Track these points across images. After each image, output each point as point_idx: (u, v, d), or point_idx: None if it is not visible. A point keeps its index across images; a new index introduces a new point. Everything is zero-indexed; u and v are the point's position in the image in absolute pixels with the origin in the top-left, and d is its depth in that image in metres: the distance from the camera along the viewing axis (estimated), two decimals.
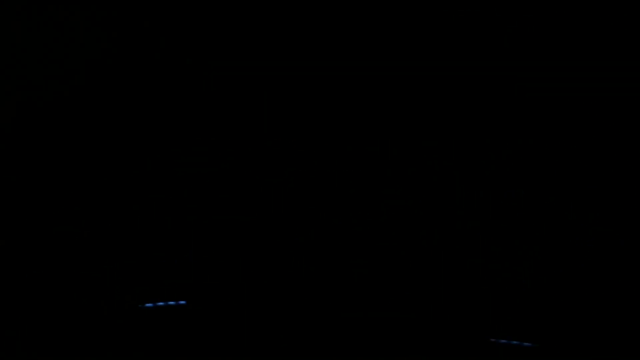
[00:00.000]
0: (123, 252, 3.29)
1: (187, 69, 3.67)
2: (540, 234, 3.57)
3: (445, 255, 3.59)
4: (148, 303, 3.16)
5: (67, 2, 3.10)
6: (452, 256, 3.54)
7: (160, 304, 3.33)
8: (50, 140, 3.11)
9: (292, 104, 3.88)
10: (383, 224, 3.61)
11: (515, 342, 3.45)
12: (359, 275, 3.54)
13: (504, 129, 3.78)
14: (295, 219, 3.59)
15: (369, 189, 3.67)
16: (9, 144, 2.97)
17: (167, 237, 3.49)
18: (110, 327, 3.16)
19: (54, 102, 3.13)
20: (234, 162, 3.66)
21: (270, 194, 3.59)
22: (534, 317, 3.36)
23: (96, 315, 3.14)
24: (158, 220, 3.38)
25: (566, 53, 3.78)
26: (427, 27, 3.79)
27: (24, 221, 2.94)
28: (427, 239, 3.51)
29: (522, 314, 3.42)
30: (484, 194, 3.59)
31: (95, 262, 3.23)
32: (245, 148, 3.73)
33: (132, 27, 3.41)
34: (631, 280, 3.49)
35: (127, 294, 3.22)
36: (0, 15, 2.93)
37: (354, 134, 3.84)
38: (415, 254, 3.55)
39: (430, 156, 3.68)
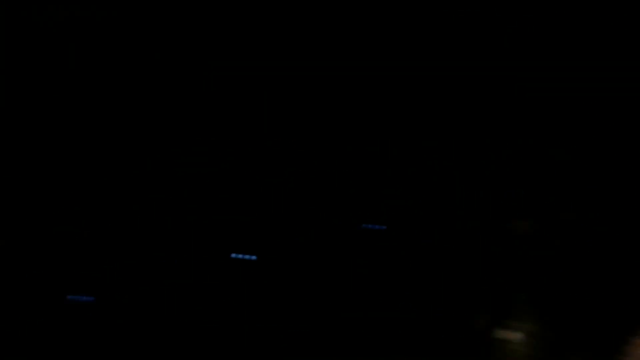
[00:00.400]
0: (123, 252, 3.31)
1: (187, 69, 3.65)
2: (540, 232, 3.58)
3: (446, 254, 3.60)
4: (148, 302, 3.13)
5: (68, 2, 3.09)
6: (452, 255, 3.55)
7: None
8: (50, 140, 3.09)
9: (292, 104, 3.86)
10: (383, 224, 3.61)
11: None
12: (359, 274, 3.54)
13: (504, 128, 3.78)
14: (294, 218, 3.58)
15: (370, 188, 3.67)
16: (8, 145, 2.95)
17: (167, 236, 3.47)
18: (109, 326, 3.18)
19: (53, 102, 3.12)
20: (234, 162, 3.64)
21: (271, 194, 3.58)
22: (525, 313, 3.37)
23: (96, 314, 3.18)
24: (158, 220, 3.35)
25: (565, 54, 3.78)
26: (428, 28, 3.80)
27: (24, 221, 2.92)
28: (426, 239, 3.52)
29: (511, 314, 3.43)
30: (484, 194, 3.59)
31: (95, 261, 3.26)
32: (245, 148, 3.70)
33: (132, 27, 3.39)
34: (630, 278, 3.50)
35: (126, 294, 3.25)
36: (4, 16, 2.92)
37: (354, 134, 3.83)
38: (415, 253, 3.56)
39: (430, 156, 3.69)
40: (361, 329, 3.35)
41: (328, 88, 3.96)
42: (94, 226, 3.25)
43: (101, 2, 3.33)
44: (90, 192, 3.26)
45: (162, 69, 3.53)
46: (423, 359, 3.27)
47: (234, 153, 3.70)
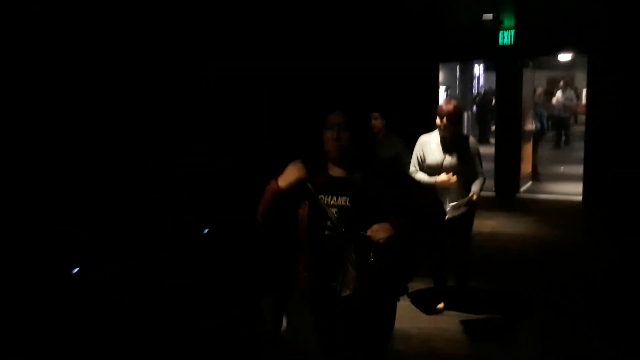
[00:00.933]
0: (122, 252, 3.26)
1: (187, 69, 3.64)
2: None
3: None
4: (148, 302, 3.12)
5: (70, 2, 3.06)
6: None
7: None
8: (51, 141, 3.04)
9: (292, 104, 3.83)
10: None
11: None
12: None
13: None
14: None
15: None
16: (9, 145, 2.88)
17: (167, 236, 3.42)
18: (110, 328, 3.16)
19: (53, 102, 3.06)
20: (234, 162, 3.60)
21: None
22: None
23: (96, 314, 3.13)
24: (158, 220, 3.30)
25: None
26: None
27: (24, 221, 2.90)
28: None
29: None
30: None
31: (95, 261, 3.21)
32: (245, 148, 3.67)
33: (132, 27, 3.37)
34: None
35: (126, 294, 3.21)
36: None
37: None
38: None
39: None
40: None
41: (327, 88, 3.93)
42: (94, 226, 3.17)
43: (103, 2, 3.24)
44: (90, 192, 3.17)
45: (162, 68, 3.47)
46: None
47: (234, 153, 3.63)
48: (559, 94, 11.87)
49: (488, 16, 7.87)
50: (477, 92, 15.49)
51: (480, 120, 13.55)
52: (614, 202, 6.69)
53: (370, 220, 1.91)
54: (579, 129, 11.91)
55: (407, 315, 3.85)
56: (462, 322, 3.80)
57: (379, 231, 1.88)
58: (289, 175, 1.95)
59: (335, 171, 2.03)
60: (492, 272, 4.73)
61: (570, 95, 12.14)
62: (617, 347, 3.41)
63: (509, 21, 7.86)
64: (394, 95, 6.41)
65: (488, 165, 8.19)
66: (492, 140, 10.26)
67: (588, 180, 7.46)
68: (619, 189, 6.79)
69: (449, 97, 14.01)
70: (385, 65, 6.12)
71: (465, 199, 3.63)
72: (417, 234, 1.99)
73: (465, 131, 13.99)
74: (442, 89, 13.60)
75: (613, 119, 7.05)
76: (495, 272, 4.75)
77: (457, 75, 15.54)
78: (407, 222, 1.95)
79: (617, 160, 6.95)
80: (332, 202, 1.98)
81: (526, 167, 8.72)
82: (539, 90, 12.30)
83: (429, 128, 3.83)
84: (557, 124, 11.98)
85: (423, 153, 3.70)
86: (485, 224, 5.31)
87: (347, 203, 1.97)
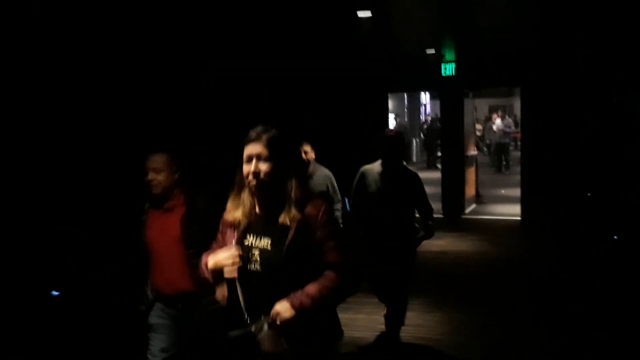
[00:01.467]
0: (123, 252, 3.13)
1: (187, 69, 3.65)
2: None
3: None
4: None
5: (70, 2, 3.05)
6: None
7: None
8: (50, 141, 3.02)
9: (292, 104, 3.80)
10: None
11: None
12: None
13: None
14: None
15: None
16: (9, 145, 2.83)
17: None
18: (109, 327, 3.12)
19: (54, 103, 3.02)
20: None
21: None
22: None
23: (96, 314, 3.08)
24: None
25: None
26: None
27: (24, 221, 2.85)
28: None
29: None
30: None
31: (95, 261, 3.16)
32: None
33: (132, 27, 3.38)
34: None
35: (126, 294, 3.08)
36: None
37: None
38: None
39: None
40: None
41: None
42: (94, 226, 3.16)
43: (105, 2, 3.24)
44: (90, 192, 3.15)
45: (163, 69, 3.53)
46: None
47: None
48: (498, 121, 12.69)
49: (431, 50, 8.58)
50: (425, 120, 16.22)
51: (428, 147, 14.27)
52: (548, 221, 7.34)
53: (291, 265, 1.71)
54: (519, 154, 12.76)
55: (374, 308, 4.14)
56: (430, 315, 4.10)
57: (280, 314, 1.65)
58: (220, 264, 1.71)
59: (260, 208, 1.80)
60: (442, 285, 5.20)
61: (508, 123, 12.98)
62: (565, 344, 3.73)
63: (449, 55, 8.56)
64: (343, 123, 6.69)
65: (436, 190, 8.86)
66: (439, 165, 10.86)
67: (525, 202, 8.13)
68: (552, 209, 7.46)
69: (397, 124, 14.69)
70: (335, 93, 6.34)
71: (423, 235, 3.68)
72: (329, 294, 1.74)
73: (413, 157, 14.66)
74: (391, 117, 14.25)
75: (545, 146, 7.77)
76: (446, 285, 5.23)
77: (406, 104, 16.22)
78: (314, 290, 1.71)
79: (549, 183, 7.66)
80: (255, 244, 1.76)
81: (470, 190, 9.35)
82: (494, 116, 13.13)
83: (375, 156, 3.79)
84: (498, 149, 12.78)
85: (364, 183, 3.65)
86: (434, 243, 5.78)
87: (268, 246, 1.74)
